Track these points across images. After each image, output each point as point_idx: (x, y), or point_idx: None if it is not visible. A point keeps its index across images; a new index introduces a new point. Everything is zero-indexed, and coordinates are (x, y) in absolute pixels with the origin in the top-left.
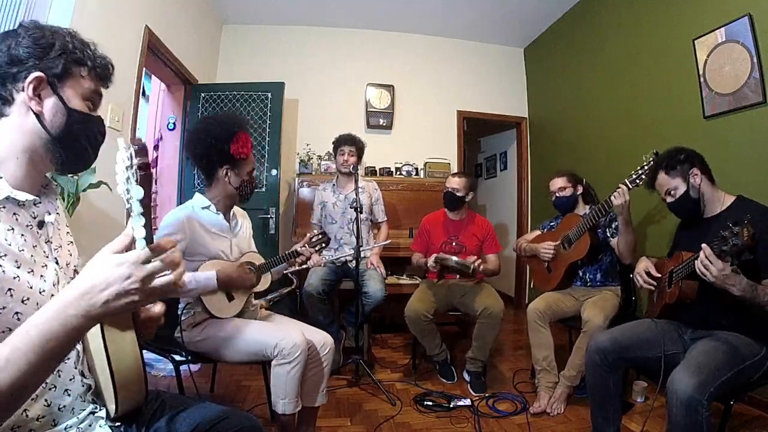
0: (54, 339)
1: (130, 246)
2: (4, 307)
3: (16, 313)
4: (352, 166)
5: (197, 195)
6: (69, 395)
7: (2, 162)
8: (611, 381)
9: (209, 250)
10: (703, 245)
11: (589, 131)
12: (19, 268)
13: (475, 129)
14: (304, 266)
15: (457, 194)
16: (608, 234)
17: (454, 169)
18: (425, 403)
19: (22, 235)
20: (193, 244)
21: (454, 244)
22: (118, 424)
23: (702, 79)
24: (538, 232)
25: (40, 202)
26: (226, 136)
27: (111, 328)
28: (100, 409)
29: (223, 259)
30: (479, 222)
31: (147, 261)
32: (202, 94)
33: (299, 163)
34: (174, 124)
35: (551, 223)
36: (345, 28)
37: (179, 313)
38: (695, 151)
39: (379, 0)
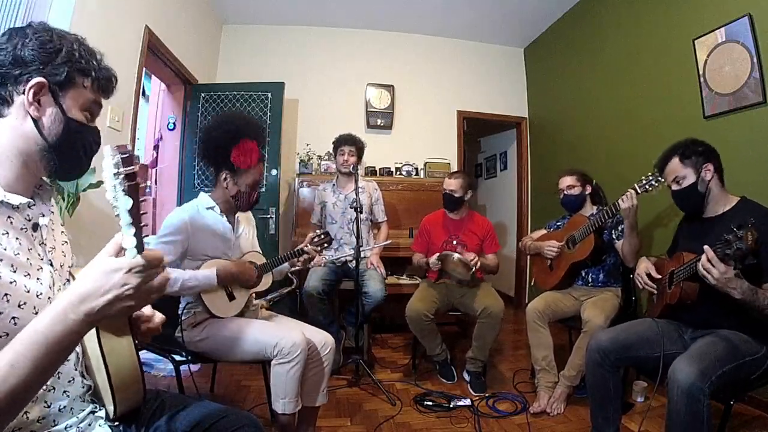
0: (57, 342)
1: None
2: (0, 312)
3: (14, 317)
4: (352, 166)
5: (202, 194)
6: (68, 396)
7: None
8: (611, 381)
9: (211, 250)
10: (705, 247)
11: (589, 131)
12: (15, 272)
13: (475, 129)
14: (308, 265)
15: (455, 195)
16: (614, 236)
17: (454, 169)
18: (425, 403)
19: (17, 238)
20: (195, 245)
21: (454, 243)
22: (117, 423)
23: (702, 79)
24: (544, 231)
25: (34, 204)
26: (229, 140)
27: (107, 333)
28: (100, 409)
29: (224, 259)
30: (479, 221)
31: (141, 270)
32: (202, 94)
33: (299, 163)
34: (174, 124)
35: (557, 223)
36: (345, 28)
37: (180, 312)
38: (714, 148)
39: (379, 0)
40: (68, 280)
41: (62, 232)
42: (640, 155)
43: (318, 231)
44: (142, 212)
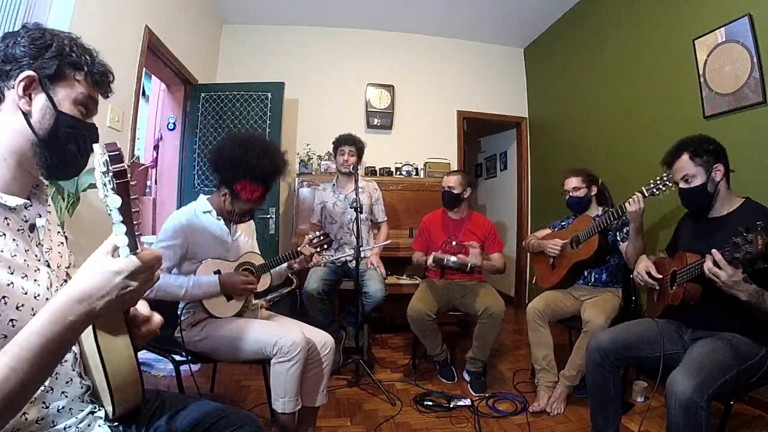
0: (55, 343)
1: None
2: None
3: (12, 320)
4: (352, 166)
5: (201, 197)
6: (66, 397)
7: None
8: (611, 381)
9: (208, 253)
10: (714, 251)
11: (589, 131)
12: (12, 274)
13: (475, 129)
14: (307, 265)
15: (454, 192)
16: (618, 238)
17: (454, 168)
18: (425, 403)
19: (14, 240)
20: (193, 248)
21: (454, 243)
22: (117, 423)
23: (702, 79)
24: (548, 231)
25: (30, 205)
26: (240, 173)
27: (104, 332)
28: (99, 409)
29: (221, 261)
30: (480, 221)
31: (138, 272)
32: (202, 94)
33: (299, 163)
34: (174, 124)
35: (562, 223)
36: (345, 28)
37: (179, 313)
38: (723, 148)
39: (379, 0)
40: (65, 281)
41: (59, 232)
42: (640, 155)
43: (317, 232)
44: (134, 210)
